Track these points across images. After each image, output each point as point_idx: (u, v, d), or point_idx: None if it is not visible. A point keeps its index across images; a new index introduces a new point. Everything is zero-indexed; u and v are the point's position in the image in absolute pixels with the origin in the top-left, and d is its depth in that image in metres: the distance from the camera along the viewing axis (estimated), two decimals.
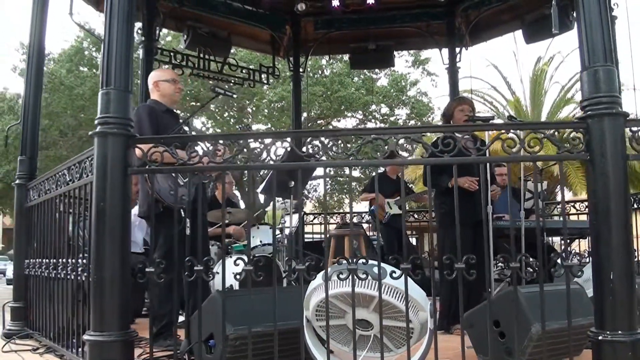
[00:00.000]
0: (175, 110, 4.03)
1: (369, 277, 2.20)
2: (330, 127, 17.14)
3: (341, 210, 14.63)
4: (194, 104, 16.31)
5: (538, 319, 2.49)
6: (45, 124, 14.92)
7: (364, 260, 2.21)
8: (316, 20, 6.99)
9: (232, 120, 18.70)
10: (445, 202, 3.78)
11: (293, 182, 3.43)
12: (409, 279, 2.27)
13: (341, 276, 2.21)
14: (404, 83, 17.22)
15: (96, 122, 2.58)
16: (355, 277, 2.19)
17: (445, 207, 3.78)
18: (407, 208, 7.41)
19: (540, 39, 6.31)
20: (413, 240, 9.63)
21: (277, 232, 5.12)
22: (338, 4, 6.52)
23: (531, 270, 4.46)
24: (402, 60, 17.85)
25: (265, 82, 7.15)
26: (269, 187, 3.43)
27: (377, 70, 17.64)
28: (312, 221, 7.45)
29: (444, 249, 3.75)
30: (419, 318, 2.34)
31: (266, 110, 17.32)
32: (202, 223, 3.33)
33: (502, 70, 24.81)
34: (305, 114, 19.10)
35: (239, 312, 2.62)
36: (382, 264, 2.25)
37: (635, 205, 5.73)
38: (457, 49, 6.76)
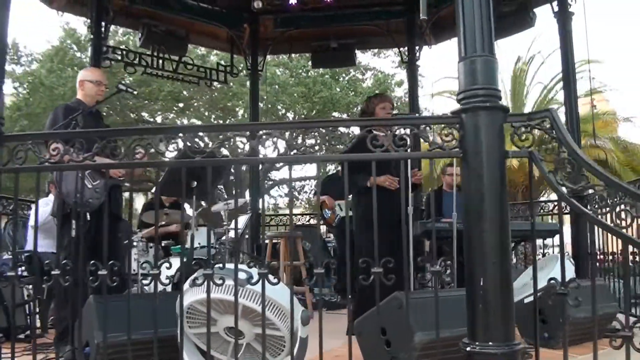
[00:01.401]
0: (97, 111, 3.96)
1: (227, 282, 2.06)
2: None
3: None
4: None
5: (423, 327, 2.35)
6: (24, 124, 14.79)
7: (220, 265, 2.06)
8: (275, 18, 6.85)
9: (218, 120, 18.56)
10: (361, 203, 3.60)
11: (195, 183, 3.29)
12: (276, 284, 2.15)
13: (197, 282, 2.07)
14: (389, 82, 17.05)
15: None
16: (211, 283, 2.04)
17: (362, 207, 3.59)
18: None
19: (499, 36, 6.18)
20: None
21: (220, 234, 4.98)
22: (295, 1, 6.38)
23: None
24: (389, 60, 17.71)
25: (223, 80, 7.01)
26: (165, 187, 3.27)
27: (362, 70, 17.54)
28: (269, 222, 7.30)
29: (361, 252, 3.53)
30: (288, 326, 2.20)
31: (247, 112, 17.18)
32: (110, 227, 3.22)
33: None
34: (291, 116, 19.00)
35: (118, 319, 2.47)
36: (244, 268, 2.11)
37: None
38: (417, 47, 6.63)
